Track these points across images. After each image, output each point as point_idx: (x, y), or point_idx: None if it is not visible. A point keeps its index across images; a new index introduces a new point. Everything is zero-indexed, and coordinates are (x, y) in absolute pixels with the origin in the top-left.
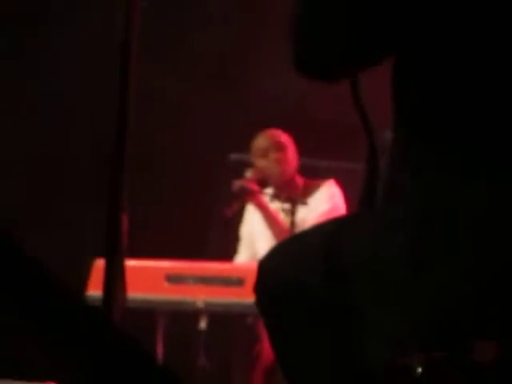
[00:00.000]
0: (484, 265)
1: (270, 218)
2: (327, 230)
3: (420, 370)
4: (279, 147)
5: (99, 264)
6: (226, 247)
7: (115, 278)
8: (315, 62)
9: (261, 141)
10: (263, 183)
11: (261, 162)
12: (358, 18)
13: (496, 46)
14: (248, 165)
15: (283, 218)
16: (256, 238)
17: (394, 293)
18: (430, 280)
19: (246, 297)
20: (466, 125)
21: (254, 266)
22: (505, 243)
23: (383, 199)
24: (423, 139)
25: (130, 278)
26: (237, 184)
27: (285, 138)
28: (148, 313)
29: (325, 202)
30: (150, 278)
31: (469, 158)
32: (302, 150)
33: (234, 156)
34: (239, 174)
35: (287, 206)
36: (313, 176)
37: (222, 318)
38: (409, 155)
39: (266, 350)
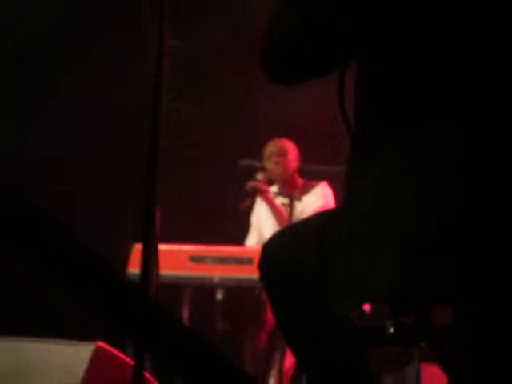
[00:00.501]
0: (437, 238)
1: (275, 211)
2: (318, 220)
3: (391, 330)
4: (280, 152)
5: (137, 248)
6: (238, 233)
7: (150, 259)
8: (279, 69)
9: (268, 147)
10: (270, 183)
11: (267, 164)
12: (311, 38)
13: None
14: (255, 169)
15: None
16: (263, 225)
17: (360, 263)
18: (389, 255)
19: (254, 273)
20: (411, 116)
21: (258, 248)
22: (452, 215)
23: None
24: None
25: (161, 258)
26: (250, 184)
27: (287, 145)
28: (176, 287)
29: (319, 200)
30: (177, 259)
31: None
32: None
33: (243, 162)
34: (247, 176)
35: (286, 201)
36: (311, 178)
37: (235, 290)
38: (368, 152)
39: (269, 315)
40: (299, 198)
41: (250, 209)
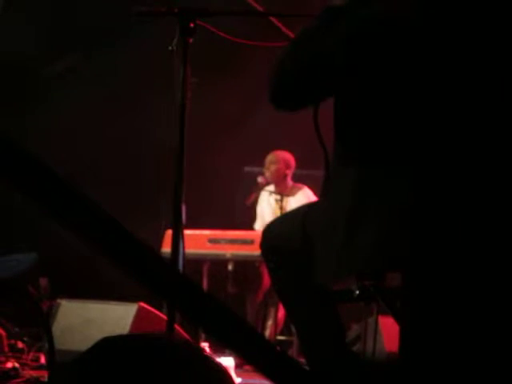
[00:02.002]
0: (392, 228)
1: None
2: (303, 210)
3: (357, 292)
4: (274, 161)
5: (169, 233)
6: (244, 222)
7: (178, 241)
8: (280, 99)
9: (268, 157)
10: (268, 183)
11: (266, 171)
12: (303, 79)
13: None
14: (256, 174)
15: (277, 205)
16: (265, 214)
17: (336, 242)
18: (359, 236)
19: (255, 251)
20: (373, 146)
21: (260, 232)
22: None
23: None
24: (351, 155)
25: (186, 241)
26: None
27: (280, 156)
28: (197, 261)
29: (305, 201)
30: (198, 241)
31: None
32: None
33: (246, 168)
34: (250, 179)
35: (278, 197)
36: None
37: (241, 263)
38: (344, 163)
39: (265, 281)
40: (287, 196)
41: (255, 202)
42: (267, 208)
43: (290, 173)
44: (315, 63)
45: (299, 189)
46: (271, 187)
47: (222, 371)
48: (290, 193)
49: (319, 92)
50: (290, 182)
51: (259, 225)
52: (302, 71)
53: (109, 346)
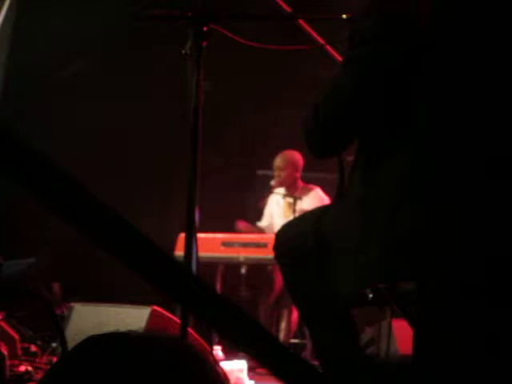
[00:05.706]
0: (406, 240)
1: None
2: (316, 213)
3: (371, 295)
4: (282, 168)
5: (182, 236)
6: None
7: (191, 244)
8: (314, 149)
9: (276, 161)
10: (280, 185)
11: (275, 174)
12: (331, 134)
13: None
14: (268, 177)
15: (287, 207)
16: (273, 215)
17: (353, 249)
18: (373, 244)
19: (268, 254)
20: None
21: (273, 235)
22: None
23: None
24: (364, 165)
25: (200, 244)
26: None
27: (288, 158)
28: (211, 264)
29: (316, 202)
30: (212, 244)
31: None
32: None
33: (260, 172)
34: (263, 182)
35: (290, 200)
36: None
37: (254, 266)
38: (359, 171)
39: (278, 284)
40: (300, 198)
41: (265, 204)
42: (276, 209)
43: (299, 174)
44: (339, 101)
45: (311, 190)
46: (282, 190)
47: (216, 373)
48: (302, 193)
49: (354, 129)
50: (300, 183)
51: (264, 223)
52: (335, 113)
53: (91, 345)
